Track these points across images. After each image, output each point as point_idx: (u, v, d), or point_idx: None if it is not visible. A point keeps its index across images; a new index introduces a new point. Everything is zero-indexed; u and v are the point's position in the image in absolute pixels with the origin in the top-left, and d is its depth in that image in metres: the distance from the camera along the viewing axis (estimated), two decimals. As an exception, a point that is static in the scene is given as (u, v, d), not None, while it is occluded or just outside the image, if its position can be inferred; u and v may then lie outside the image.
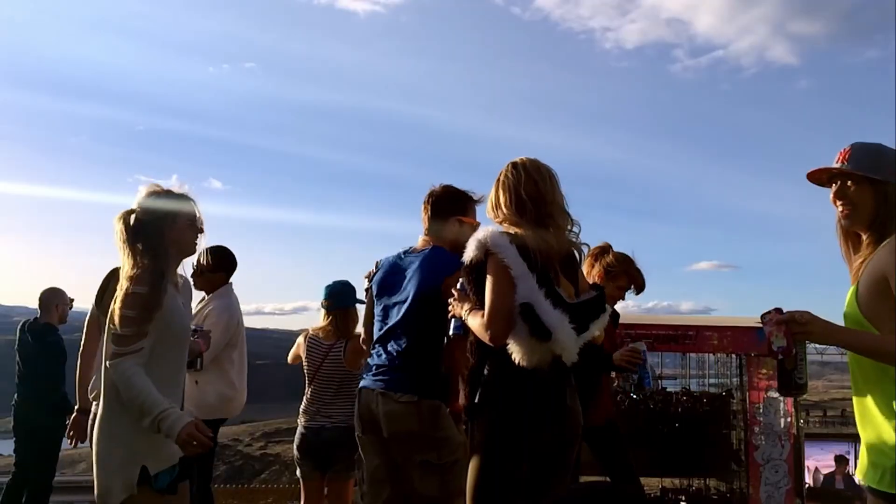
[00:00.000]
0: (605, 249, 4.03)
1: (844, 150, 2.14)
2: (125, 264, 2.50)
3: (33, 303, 5.78)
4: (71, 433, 3.65)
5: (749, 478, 6.33)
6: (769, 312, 2.07)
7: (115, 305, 2.42)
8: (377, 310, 3.20)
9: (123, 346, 2.38)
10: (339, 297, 4.23)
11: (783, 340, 2.02)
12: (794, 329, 2.02)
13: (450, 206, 3.15)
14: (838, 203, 2.14)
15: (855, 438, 11.81)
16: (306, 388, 4.25)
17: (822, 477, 10.24)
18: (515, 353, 2.33)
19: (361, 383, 3.14)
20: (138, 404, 2.36)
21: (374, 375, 3.05)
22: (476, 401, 2.50)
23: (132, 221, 2.53)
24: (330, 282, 4.33)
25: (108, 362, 2.41)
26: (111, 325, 2.41)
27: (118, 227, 2.53)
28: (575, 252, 2.61)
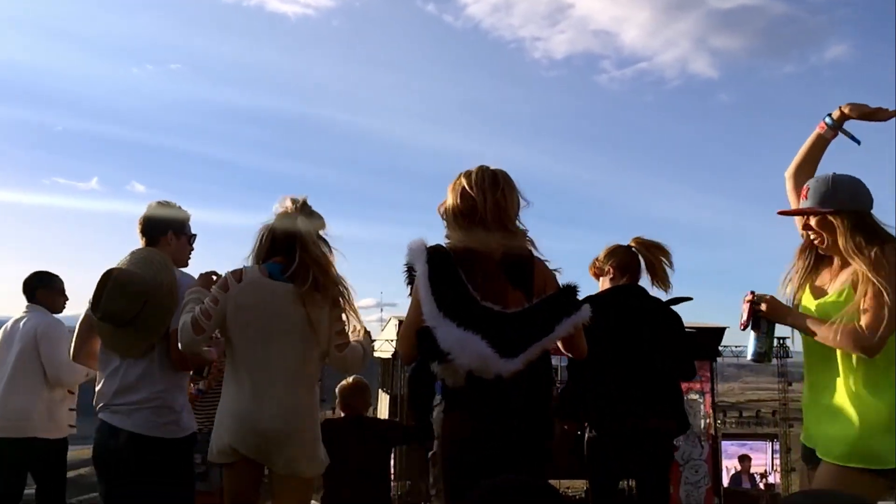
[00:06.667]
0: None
1: (805, 187, 2.43)
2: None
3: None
4: None
5: (669, 478, 6.50)
6: (747, 293, 2.48)
7: (333, 305, 2.79)
8: None
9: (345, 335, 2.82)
10: None
11: (744, 315, 2.46)
12: (754, 307, 2.43)
13: None
14: (810, 234, 2.44)
15: (771, 437, 12.30)
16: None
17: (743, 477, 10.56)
18: (435, 372, 2.35)
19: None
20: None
21: None
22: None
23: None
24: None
25: (342, 353, 2.78)
26: (334, 321, 2.77)
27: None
28: (526, 258, 2.48)
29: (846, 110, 2.51)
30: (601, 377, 3.34)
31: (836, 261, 2.43)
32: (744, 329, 2.48)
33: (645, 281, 3.61)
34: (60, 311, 4.34)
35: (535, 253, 2.50)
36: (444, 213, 2.51)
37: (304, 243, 2.73)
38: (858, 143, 2.53)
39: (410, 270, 2.45)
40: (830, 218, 2.35)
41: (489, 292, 2.36)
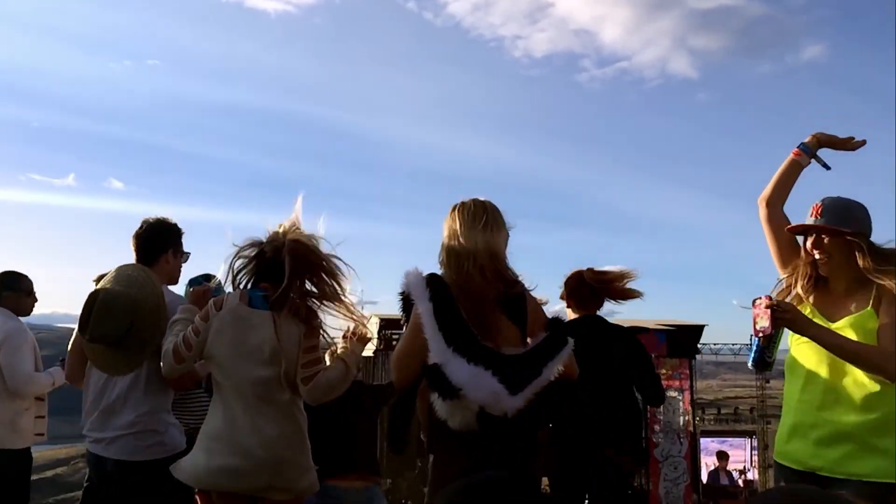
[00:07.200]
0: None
1: (816, 205, 2.40)
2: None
3: None
4: None
5: (649, 474, 6.53)
6: (760, 298, 2.33)
7: (307, 334, 2.70)
8: None
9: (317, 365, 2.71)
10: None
11: (766, 322, 2.29)
12: (778, 315, 2.28)
13: None
14: (815, 252, 2.39)
15: (749, 434, 12.43)
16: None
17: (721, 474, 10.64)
18: (440, 413, 2.30)
19: None
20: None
21: None
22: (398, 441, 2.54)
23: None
24: (195, 275, 3.74)
25: (307, 385, 2.67)
26: (304, 353, 2.68)
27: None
28: (519, 294, 2.48)
29: (821, 138, 2.55)
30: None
31: (840, 283, 2.40)
32: (763, 335, 2.33)
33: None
34: (27, 314, 4.23)
35: (525, 285, 2.50)
36: (440, 252, 2.50)
37: (293, 270, 2.67)
38: (828, 168, 2.57)
39: (406, 299, 2.43)
40: (850, 238, 2.32)
41: (486, 328, 2.36)
